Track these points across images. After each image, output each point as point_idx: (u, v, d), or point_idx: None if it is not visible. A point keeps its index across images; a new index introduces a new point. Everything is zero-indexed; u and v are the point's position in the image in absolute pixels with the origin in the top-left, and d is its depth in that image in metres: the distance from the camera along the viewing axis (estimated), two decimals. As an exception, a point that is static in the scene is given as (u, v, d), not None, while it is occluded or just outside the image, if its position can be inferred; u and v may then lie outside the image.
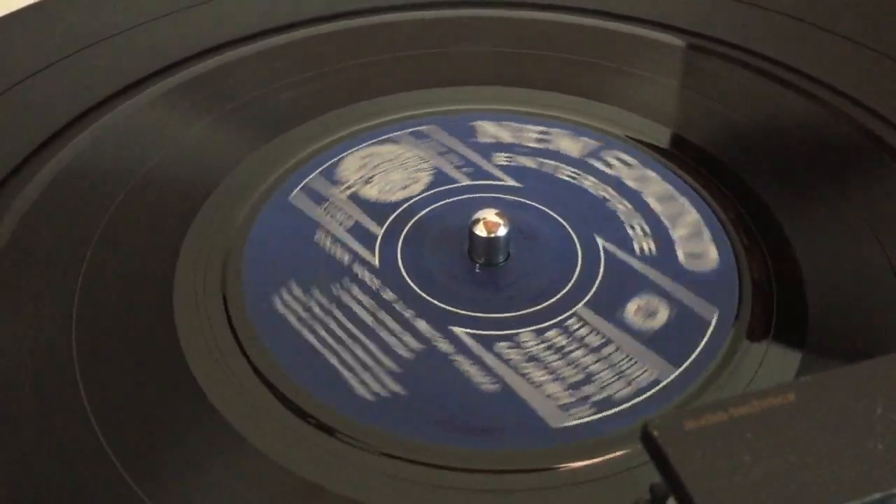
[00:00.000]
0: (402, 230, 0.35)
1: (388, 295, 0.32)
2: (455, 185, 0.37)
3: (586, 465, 0.27)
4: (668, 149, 0.39)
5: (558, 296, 0.32)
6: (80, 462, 0.27)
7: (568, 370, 0.29)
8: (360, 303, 0.32)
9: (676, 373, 0.29)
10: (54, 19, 0.47)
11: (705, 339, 0.30)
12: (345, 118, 0.41)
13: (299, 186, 0.37)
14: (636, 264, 0.33)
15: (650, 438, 0.22)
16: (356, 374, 0.29)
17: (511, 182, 0.37)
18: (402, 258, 0.34)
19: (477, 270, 0.33)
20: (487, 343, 0.30)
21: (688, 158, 0.39)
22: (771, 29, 0.47)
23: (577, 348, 0.30)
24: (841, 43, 0.45)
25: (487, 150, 0.39)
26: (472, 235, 0.33)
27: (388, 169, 0.38)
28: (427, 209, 0.36)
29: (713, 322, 0.31)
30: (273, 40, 0.46)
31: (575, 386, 0.29)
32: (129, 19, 0.47)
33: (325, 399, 0.29)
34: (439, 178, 0.37)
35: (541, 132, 0.39)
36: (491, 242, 0.33)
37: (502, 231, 0.33)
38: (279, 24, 0.47)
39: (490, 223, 0.33)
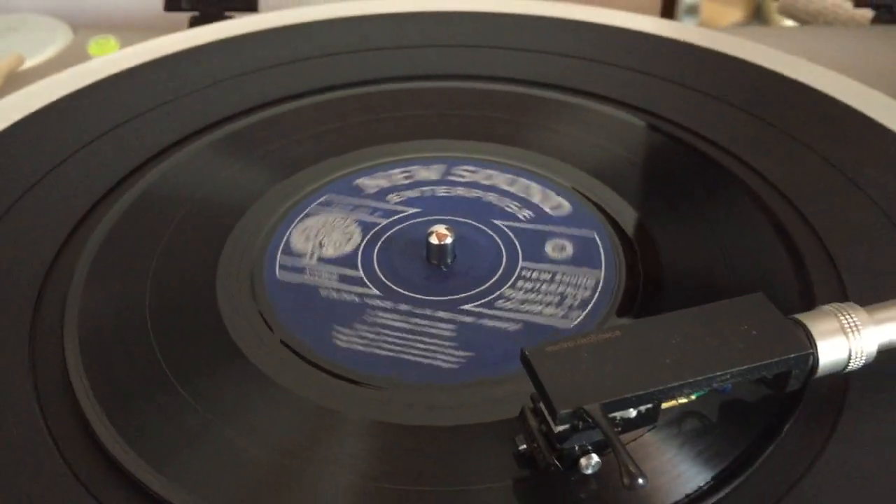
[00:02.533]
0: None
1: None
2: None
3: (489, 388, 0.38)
4: (562, 181, 0.50)
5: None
6: (154, 391, 0.38)
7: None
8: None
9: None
10: (133, 86, 0.59)
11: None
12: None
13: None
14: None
15: (525, 358, 0.33)
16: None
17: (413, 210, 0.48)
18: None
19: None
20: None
21: (580, 188, 0.49)
22: (651, 90, 0.58)
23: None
24: (711, 103, 0.57)
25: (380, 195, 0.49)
26: (428, 244, 0.44)
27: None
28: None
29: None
30: (284, 107, 0.57)
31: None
32: (186, 87, 0.59)
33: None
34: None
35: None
36: (442, 249, 0.44)
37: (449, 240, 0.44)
38: (288, 94, 0.59)
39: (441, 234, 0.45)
